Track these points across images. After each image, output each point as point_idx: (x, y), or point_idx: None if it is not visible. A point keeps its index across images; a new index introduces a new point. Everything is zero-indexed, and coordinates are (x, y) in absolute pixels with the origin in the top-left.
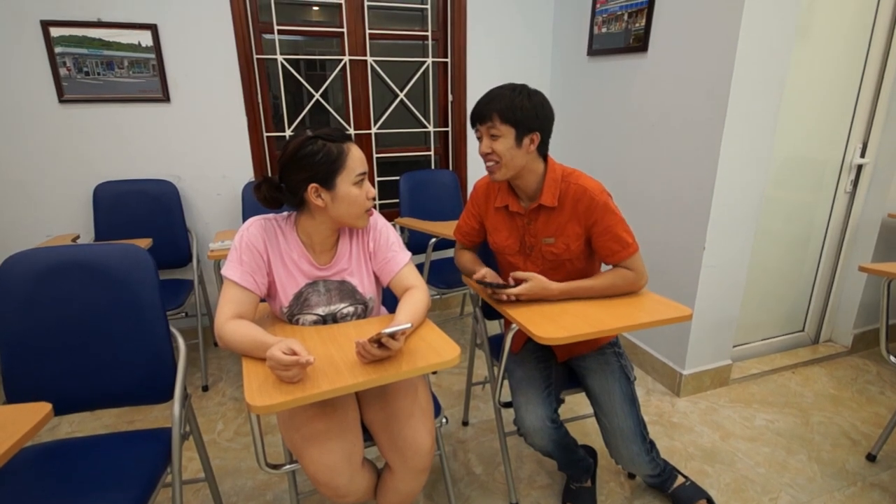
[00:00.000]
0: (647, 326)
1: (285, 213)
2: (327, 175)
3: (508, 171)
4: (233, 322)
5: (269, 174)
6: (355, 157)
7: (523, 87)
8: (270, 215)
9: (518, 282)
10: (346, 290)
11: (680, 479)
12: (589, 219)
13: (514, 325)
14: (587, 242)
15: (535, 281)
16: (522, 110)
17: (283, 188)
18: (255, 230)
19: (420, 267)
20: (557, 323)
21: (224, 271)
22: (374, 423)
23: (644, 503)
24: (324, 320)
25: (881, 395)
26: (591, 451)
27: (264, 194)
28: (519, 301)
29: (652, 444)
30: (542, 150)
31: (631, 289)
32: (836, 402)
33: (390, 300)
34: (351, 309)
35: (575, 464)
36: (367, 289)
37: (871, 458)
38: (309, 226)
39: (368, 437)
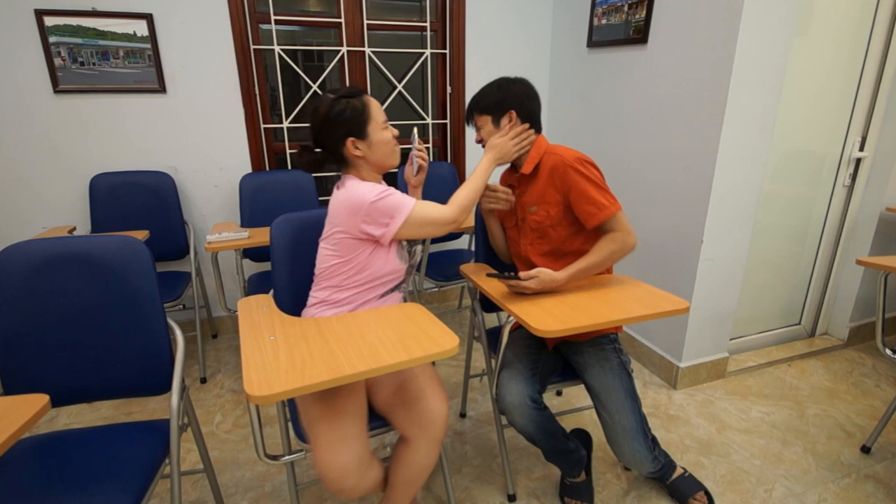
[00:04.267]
0: (644, 319)
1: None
2: (359, 127)
3: None
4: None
5: (307, 140)
6: (375, 106)
7: (500, 79)
8: (352, 181)
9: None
10: None
11: (679, 470)
12: (564, 184)
13: (511, 318)
14: (567, 209)
15: (543, 275)
16: (492, 97)
17: (320, 151)
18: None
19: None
20: (555, 315)
21: (405, 204)
22: (388, 406)
23: (640, 494)
24: (423, 244)
25: (876, 387)
26: (585, 440)
27: (307, 160)
28: (525, 294)
29: (654, 440)
30: (531, 125)
31: (624, 249)
32: (832, 395)
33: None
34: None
35: (563, 455)
36: None
37: (865, 450)
38: (359, 175)
39: (378, 426)
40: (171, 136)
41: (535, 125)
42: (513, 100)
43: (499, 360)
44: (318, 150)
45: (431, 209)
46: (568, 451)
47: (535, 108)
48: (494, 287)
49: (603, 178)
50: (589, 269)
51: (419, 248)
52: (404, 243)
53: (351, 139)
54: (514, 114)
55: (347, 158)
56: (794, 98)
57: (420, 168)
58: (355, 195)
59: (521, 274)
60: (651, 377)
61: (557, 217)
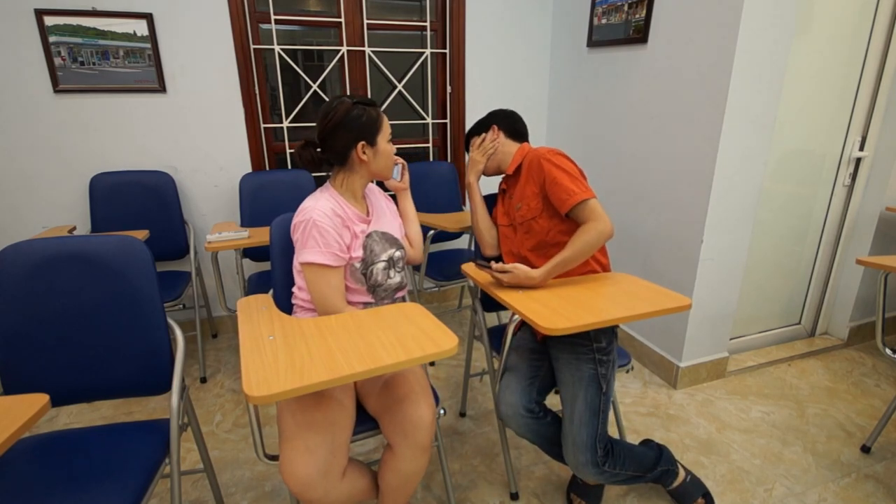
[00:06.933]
0: (648, 316)
1: (325, 185)
2: (371, 134)
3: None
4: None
5: (309, 140)
6: (385, 119)
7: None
8: (318, 194)
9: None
10: (389, 238)
11: (680, 478)
12: (540, 176)
13: (515, 316)
14: (546, 200)
15: (518, 271)
16: (478, 123)
17: (322, 151)
18: (321, 214)
19: None
20: (561, 314)
21: (313, 258)
22: (377, 410)
23: (640, 494)
24: (388, 264)
25: (876, 387)
26: None
27: (311, 155)
28: (512, 287)
29: (608, 454)
30: (515, 137)
31: (599, 238)
32: (832, 395)
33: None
34: (400, 252)
35: (563, 458)
36: (400, 233)
37: (865, 449)
38: (347, 180)
39: (371, 427)
40: (171, 135)
41: (519, 136)
42: (492, 121)
43: (502, 362)
44: (319, 149)
45: (321, 286)
46: None
47: (515, 124)
48: (499, 286)
49: (578, 170)
50: (565, 262)
51: (376, 268)
52: (357, 265)
53: (362, 143)
54: (495, 127)
55: (351, 162)
56: (794, 97)
57: (403, 167)
58: (298, 213)
59: (494, 266)
60: (651, 377)
61: (538, 209)
